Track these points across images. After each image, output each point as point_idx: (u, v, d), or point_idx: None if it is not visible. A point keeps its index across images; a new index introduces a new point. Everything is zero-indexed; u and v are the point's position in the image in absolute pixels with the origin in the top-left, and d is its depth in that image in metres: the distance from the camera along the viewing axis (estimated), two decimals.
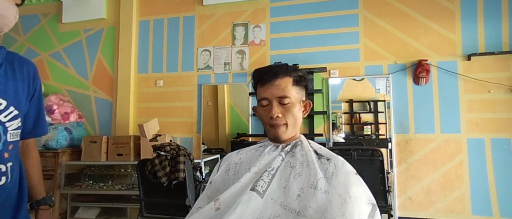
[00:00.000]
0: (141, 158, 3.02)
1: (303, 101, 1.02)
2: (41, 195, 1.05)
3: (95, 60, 3.76)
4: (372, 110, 3.09)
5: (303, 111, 1.02)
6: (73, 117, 3.48)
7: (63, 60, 3.86)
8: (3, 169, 0.86)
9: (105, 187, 3.14)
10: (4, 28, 0.83)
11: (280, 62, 3.04)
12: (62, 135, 3.18)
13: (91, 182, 3.28)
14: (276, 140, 0.99)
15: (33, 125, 1.00)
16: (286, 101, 0.96)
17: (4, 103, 0.86)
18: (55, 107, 3.34)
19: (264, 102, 0.98)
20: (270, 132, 1.00)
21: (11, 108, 0.88)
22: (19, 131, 0.93)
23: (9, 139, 0.88)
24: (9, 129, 0.88)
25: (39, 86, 1.02)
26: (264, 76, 0.98)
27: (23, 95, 0.93)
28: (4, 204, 0.87)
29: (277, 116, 0.95)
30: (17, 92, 0.91)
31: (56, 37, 3.90)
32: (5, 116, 0.87)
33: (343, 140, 3.12)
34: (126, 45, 3.60)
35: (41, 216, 1.01)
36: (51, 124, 3.33)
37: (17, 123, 0.90)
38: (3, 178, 0.86)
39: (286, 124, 0.97)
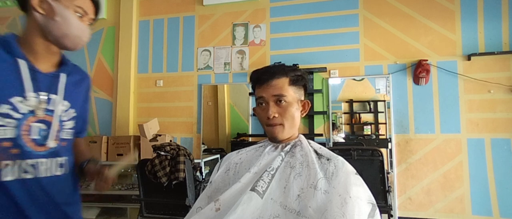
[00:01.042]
0: (141, 158, 3.02)
1: (301, 101, 1.02)
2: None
3: (95, 60, 3.76)
4: (372, 110, 3.09)
5: (301, 111, 1.02)
6: None
7: None
8: (60, 161, 1.04)
9: None
10: (78, 47, 1.02)
11: (280, 62, 3.05)
12: None
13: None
14: (274, 140, 0.99)
15: (82, 126, 1.18)
16: (282, 100, 0.96)
17: (68, 105, 1.05)
18: None
19: (261, 102, 0.99)
20: (267, 132, 1.00)
21: (71, 110, 1.07)
22: (72, 131, 1.10)
23: (64, 137, 1.05)
24: (65, 128, 1.06)
25: (90, 95, 1.24)
26: (261, 77, 0.99)
27: (80, 100, 1.12)
28: (62, 192, 1.04)
29: (274, 116, 0.95)
30: (78, 97, 1.11)
31: None
32: (65, 116, 1.05)
33: (343, 140, 3.12)
34: (126, 45, 3.60)
35: (89, 167, 1.13)
36: None
37: (72, 123, 1.08)
38: (60, 170, 1.04)
39: (283, 124, 0.97)
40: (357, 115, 3.13)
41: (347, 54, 3.09)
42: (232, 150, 1.11)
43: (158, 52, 3.61)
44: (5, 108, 0.90)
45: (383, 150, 2.57)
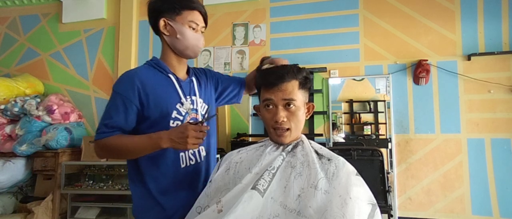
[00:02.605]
0: None
1: (306, 104, 1.02)
2: None
3: (95, 60, 3.76)
4: (372, 110, 3.09)
5: (306, 113, 1.02)
6: (73, 117, 3.48)
7: (63, 60, 3.85)
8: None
9: (105, 187, 3.14)
10: (198, 54, 1.26)
11: None
12: (62, 135, 3.18)
13: (91, 182, 3.28)
14: (279, 142, 0.99)
15: (239, 90, 1.45)
16: (292, 105, 0.95)
17: (202, 101, 1.28)
18: (55, 107, 3.33)
19: (269, 105, 0.98)
20: (272, 135, 1.00)
21: (204, 104, 1.29)
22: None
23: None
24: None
25: (217, 73, 1.45)
26: (269, 79, 0.98)
27: (208, 92, 1.34)
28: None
29: (283, 121, 0.95)
30: (206, 91, 1.33)
31: (56, 37, 3.90)
32: (202, 110, 1.27)
33: (343, 140, 3.12)
34: (126, 45, 3.60)
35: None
36: (51, 124, 3.33)
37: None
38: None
39: (290, 129, 0.97)
40: (357, 115, 3.13)
41: (347, 54, 3.09)
42: (232, 150, 1.11)
43: (158, 52, 3.58)
44: (174, 114, 1.17)
45: (383, 150, 2.57)
